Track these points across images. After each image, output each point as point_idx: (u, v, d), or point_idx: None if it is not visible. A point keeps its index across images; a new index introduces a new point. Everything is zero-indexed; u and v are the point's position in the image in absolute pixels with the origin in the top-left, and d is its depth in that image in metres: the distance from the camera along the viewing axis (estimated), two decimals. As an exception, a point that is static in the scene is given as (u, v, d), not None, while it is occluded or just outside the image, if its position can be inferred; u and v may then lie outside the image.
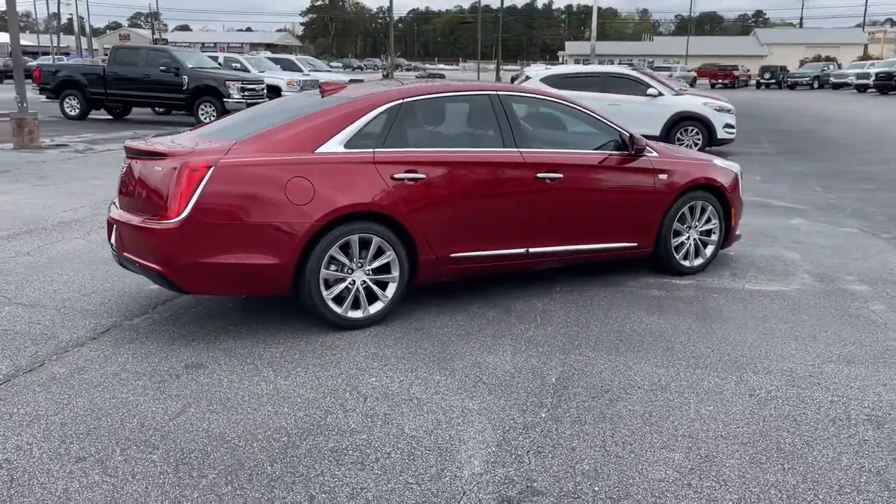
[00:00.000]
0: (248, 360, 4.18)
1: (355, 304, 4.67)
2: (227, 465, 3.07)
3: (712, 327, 4.83)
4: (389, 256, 4.69)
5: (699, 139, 13.74)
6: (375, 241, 4.62)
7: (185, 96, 18.66)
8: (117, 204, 4.76)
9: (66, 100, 19.74)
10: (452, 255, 4.94)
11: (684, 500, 2.87)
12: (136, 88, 19.08)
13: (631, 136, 5.56)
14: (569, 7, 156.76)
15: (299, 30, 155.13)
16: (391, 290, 4.76)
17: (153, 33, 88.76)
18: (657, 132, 13.67)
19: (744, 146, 15.46)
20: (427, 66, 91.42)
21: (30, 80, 20.26)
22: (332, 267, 4.55)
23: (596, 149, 5.54)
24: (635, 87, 13.80)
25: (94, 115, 20.25)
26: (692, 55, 74.30)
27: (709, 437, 3.37)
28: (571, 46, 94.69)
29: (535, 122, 5.61)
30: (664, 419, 3.54)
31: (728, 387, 3.91)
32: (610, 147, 5.59)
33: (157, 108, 21.38)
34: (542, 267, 5.55)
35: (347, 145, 4.62)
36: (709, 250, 6.10)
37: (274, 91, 21.51)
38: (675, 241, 5.89)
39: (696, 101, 14.01)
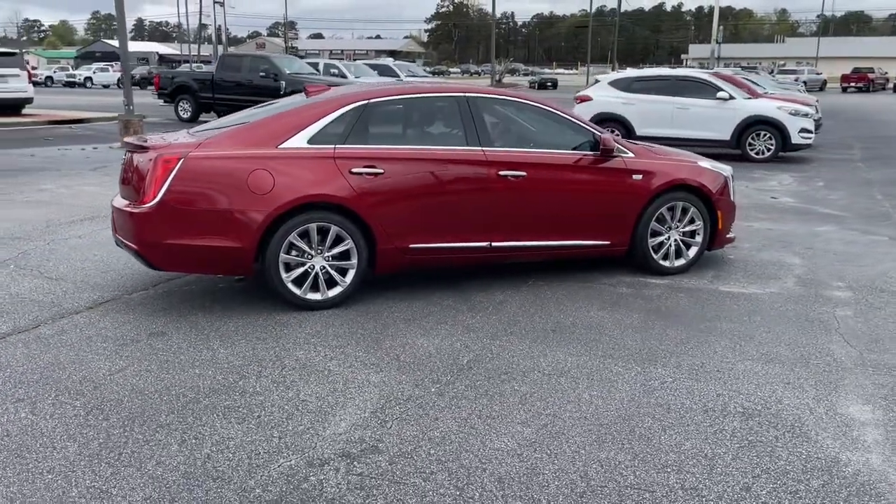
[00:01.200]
0: (204, 331, 4.71)
1: (315, 287, 5.11)
2: (130, 413, 3.58)
3: (655, 323, 4.94)
4: (348, 245, 5.10)
5: (772, 144, 13.32)
6: (333, 229, 5.04)
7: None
8: (119, 193, 5.43)
9: (180, 103, 21.42)
10: (412, 245, 5.28)
11: (506, 467, 3.12)
12: (240, 93, 20.42)
13: (601, 137, 5.71)
14: (699, 9, 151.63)
15: (425, 37, 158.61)
16: (350, 276, 5.17)
17: (285, 42, 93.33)
18: (727, 136, 13.40)
19: (829, 151, 14.82)
20: (545, 70, 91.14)
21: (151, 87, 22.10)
22: (293, 252, 5.01)
23: (568, 149, 5.72)
24: (705, 90, 13.53)
25: (204, 117, 21.83)
26: (833, 57, 70.34)
27: (570, 418, 3.57)
28: (695, 49, 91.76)
29: (505, 123, 5.86)
30: (540, 399, 3.76)
31: (626, 376, 4.07)
32: (584, 147, 5.76)
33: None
34: (510, 261, 5.80)
35: (311, 141, 5.08)
36: (692, 252, 6.13)
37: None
38: (653, 241, 5.98)
39: (770, 105, 13.58)
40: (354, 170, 5.06)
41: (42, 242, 6.91)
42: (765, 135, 13.34)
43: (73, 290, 5.50)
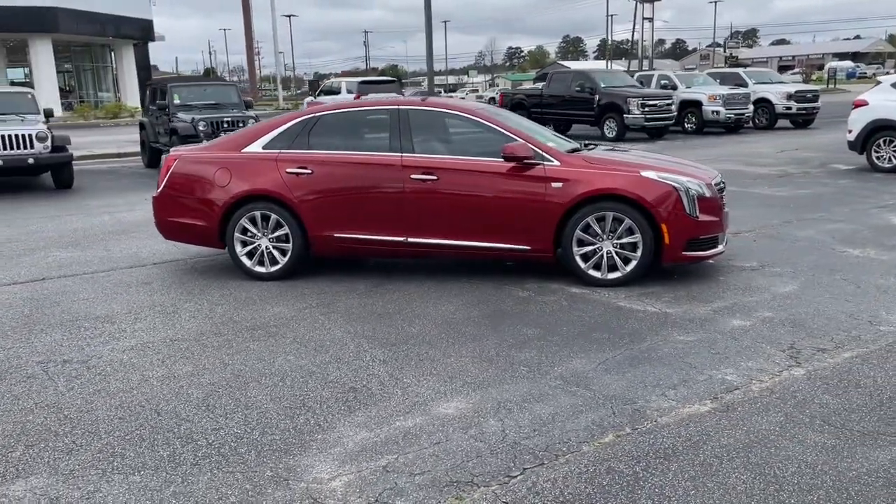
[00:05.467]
0: (187, 288, 6.41)
1: (262, 263, 6.48)
2: (51, 323, 5.44)
3: (492, 321, 5.15)
4: (286, 230, 6.37)
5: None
6: (273, 217, 6.36)
7: (594, 113, 20.70)
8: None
9: (516, 118, 23.65)
10: (336, 234, 6.30)
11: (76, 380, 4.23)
12: (561, 107, 21.89)
13: (505, 145, 5.92)
14: None
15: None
16: (287, 255, 6.42)
17: (724, 51, 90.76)
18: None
19: None
20: None
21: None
22: (248, 233, 6.47)
23: (490, 156, 6.06)
24: None
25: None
26: None
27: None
28: None
29: (434, 132, 6.37)
30: (253, 357, 4.66)
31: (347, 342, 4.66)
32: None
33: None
34: (430, 257, 6.36)
35: (265, 147, 6.47)
36: (630, 265, 5.88)
37: (695, 105, 21.89)
38: (581, 250, 5.93)
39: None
40: (289, 170, 6.30)
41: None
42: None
43: (152, 252, 7.71)
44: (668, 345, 4.61)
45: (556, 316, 5.25)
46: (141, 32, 41.88)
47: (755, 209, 9.25)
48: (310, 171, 6.25)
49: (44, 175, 13.91)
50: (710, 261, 6.60)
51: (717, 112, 21.43)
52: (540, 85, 24.04)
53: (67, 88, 43.32)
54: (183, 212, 6.59)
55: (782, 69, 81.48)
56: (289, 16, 65.28)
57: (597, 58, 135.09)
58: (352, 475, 3.16)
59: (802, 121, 23.18)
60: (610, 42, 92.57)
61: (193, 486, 3.11)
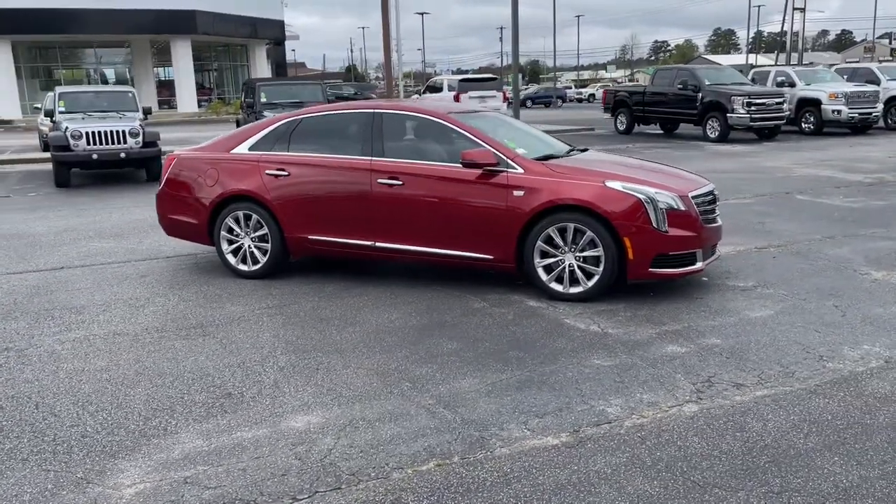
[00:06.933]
0: (173, 282, 6.74)
1: (245, 261, 6.67)
2: (27, 311, 5.89)
3: (421, 333, 5.04)
4: (265, 230, 6.52)
5: None
6: (254, 217, 6.53)
7: (697, 112, 19.69)
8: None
9: (618, 117, 22.95)
10: (310, 237, 6.38)
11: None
12: (663, 105, 20.98)
13: (478, 151, 5.74)
14: None
15: None
16: (267, 255, 6.56)
17: (890, 42, 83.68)
18: None
19: None
20: None
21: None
22: (234, 232, 6.68)
23: (457, 162, 5.90)
24: None
25: (644, 130, 22.95)
26: None
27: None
28: None
29: (405, 137, 6.24)
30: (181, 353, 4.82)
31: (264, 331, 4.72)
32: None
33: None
34: (399, 262, 6.29)
35: (251, 148, 6.64)
36: (593, 280, 5.56)
37: (813, 104, 20.36)
38: (544, 262, 5.68)
39: None
40: (268, 172, 6.43)
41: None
42: None
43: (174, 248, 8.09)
44: (576, 369, 4.32)
45: (490, 331, 5.05)
46: (273, 32, 44.03)
47: (806, 221, 8.47)
48: (286, 174, 6.35)
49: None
50: (704, 277, 6.14)
51: (839, 111, 19.81)
52: (644, 83, 23.11)
53: (209, 86, 46.21)
54: (179, 209, 6.88)
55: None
56: (421, 13, 66.08)
57: (750, 52, 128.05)
58: (150, 484, 3.18)
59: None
60: (750, 36, 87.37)
61: (2, 480, 3.24)
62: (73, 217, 10.16)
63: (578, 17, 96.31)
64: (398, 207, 6.01)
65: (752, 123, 18.83)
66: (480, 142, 5.89)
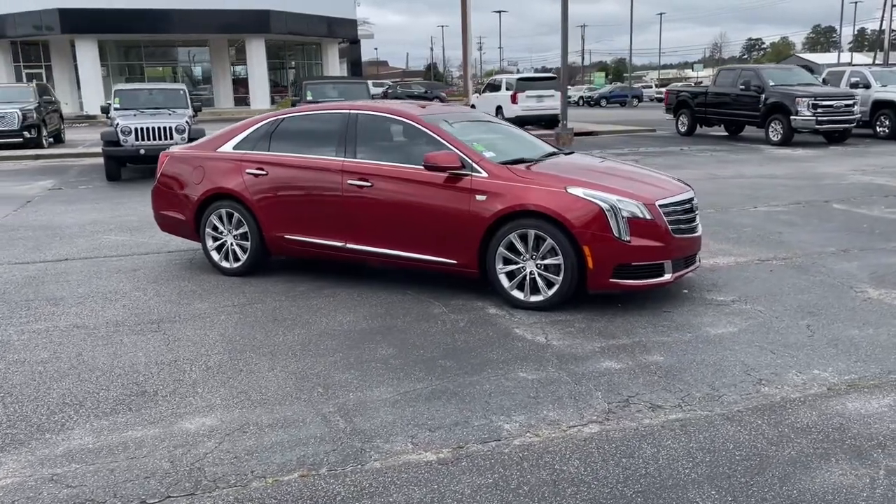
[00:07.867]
0: (159, 277, 6.90)
1: (227, 258, 6.75)
2: (10, 301, 6.12)
3: (363, 338, 5.00)
4: (246, 228, 6.58)
5: None
6: (236, 215, 6.60)
7: (760, 113, 18.89)
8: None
9: (680, 118, 22.22)
10: (287, 236, 6.40)
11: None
12: (724, 106, 20.21)
13: (440, 154, 5.62)
14: None
15: None
16: (247, 253, 6.62)
17: None
18: None
19: None
20: None
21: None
22: (218, 230, 6.77)
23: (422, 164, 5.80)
24: None
25: (708, 131, 22.13)
26: None
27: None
28: None
29: (378, 138, 6.14)
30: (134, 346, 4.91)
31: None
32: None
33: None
34: (372, 264, 6.22)
35: (235, 147, 6.71)
36: (553, 289, 5.37)
37: (890, 106, 19.23)
38: (505, 269, 5.52)
39: None
40: (248, 171, 6.49)
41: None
42: None
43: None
44: (497, 381, 4.17)
45: (433, 338, 4.93)
46: (346, 31, 44.70)
47: (828, 232, 7.97)
48: (265, 173, 6.38)
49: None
50: (684, 290, 5.84)
51: (916, 115, 18.62)
52: (706, 82, 22.33)
53: (285, 84, 47.28)
54: (170, 205, 7.02)
55: None
56: (499, 12, 65.84)
57: (851, 49, 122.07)
58: (17, 479, 3.23)
59: None
60: (851, 33, 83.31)
61: None
62: (107, 210, 10.52)
63: (661, 14, 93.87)
64: (367, 209, 5.95)
65: (818, 126, 17.89)
66: (447, 144, 5.76)
